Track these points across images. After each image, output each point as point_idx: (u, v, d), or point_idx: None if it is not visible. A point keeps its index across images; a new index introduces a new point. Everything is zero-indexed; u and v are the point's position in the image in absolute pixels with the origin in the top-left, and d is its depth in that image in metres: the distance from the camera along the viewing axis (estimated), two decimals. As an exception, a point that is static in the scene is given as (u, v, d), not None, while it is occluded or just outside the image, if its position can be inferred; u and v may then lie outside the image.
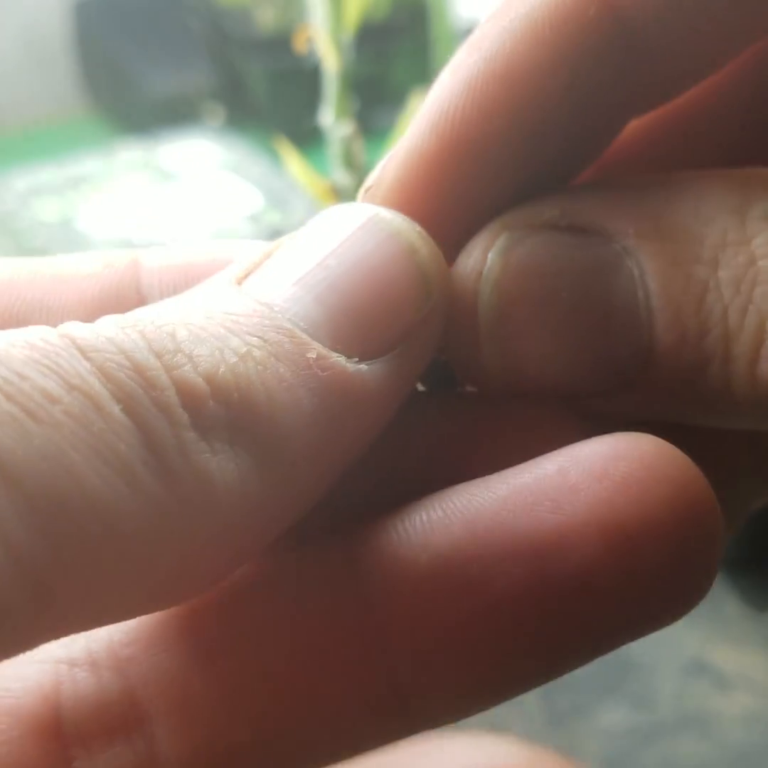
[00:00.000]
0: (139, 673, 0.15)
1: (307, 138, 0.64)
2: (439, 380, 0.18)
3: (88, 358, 0.13)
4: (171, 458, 0.13)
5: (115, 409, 0.12)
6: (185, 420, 0.13)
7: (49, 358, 0.12)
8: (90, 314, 0.16)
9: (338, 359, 0.15)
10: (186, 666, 0.15)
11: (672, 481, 0.14)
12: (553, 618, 0.14)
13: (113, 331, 0.13)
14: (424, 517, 0.15)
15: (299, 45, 0.46)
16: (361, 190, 0.18)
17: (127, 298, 0.17)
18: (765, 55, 0.20)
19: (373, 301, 0.15)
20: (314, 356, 0.14)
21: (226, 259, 0.17)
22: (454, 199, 0.17)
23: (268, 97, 1.01)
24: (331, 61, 0.43)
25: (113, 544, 0.12)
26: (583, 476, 0.14)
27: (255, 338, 0.14)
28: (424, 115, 0.17)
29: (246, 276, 0.16)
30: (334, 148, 0.46)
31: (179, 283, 0.17)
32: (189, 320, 0.14)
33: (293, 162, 0.48)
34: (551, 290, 0.16)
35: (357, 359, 0.15)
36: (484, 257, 0.17)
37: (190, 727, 0.15)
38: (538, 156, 0.17)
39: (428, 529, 0.15)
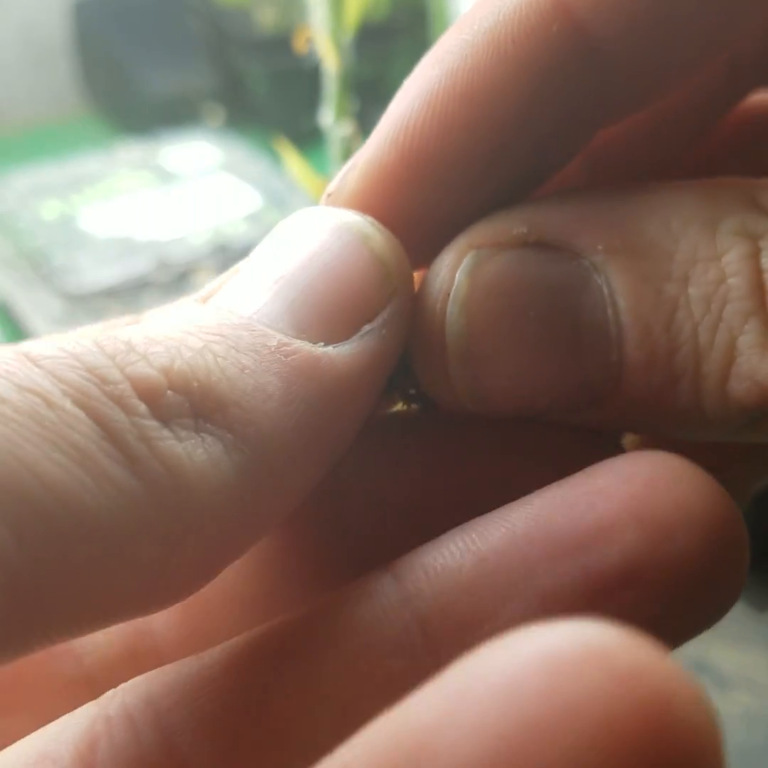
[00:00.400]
0: (178, 723, 0.15)
1: (307, 138, 0.64)
2: (424, 401, 0.18)
3: (39, 366, 0.13)
4: (133, 446, 0.13)
5: (67, 403, 0.12)
6: (143, 410, 0.13)
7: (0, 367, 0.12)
8: None
9: (303, 344, 0.15)
10: (230, 709, 0.15)
11: (694, 478, 0.14)
12: (603, 612, 0.14)
13: (66, 342, 0.13)
14: (465, 533, 0.15)
15: (299, 45, 0.46)
16: (323, 196, 0.18)
17: None
18: (733, 65, 0.20)
19: (330, 288, 0.16)
20: (275, 344, 0.14)
21: None
22: (413, 211, 0.17)
23: (267, 98, 1.01)
24: (331, 61, 0.43)
25: (87, 536, 0.12)
26: (612, 479, 0.15)
27: (213, 335, 0.14)
28: (385, 127, 0.17)
29: (209, 296, 0.16)
30: (333, 149, 0.46)
31: None
32: (146, 331, 0.14)
33: (293, 162, 0.48)
34: (520, 309, 0.16)
35: (323, 344, 0.15)
36: (452, 277, 0.16)
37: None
38: (500, 169, 0.17)
39: (470, 540, 0.15)
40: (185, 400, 0.13)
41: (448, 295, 0.16)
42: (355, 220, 0.16)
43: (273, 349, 0.14)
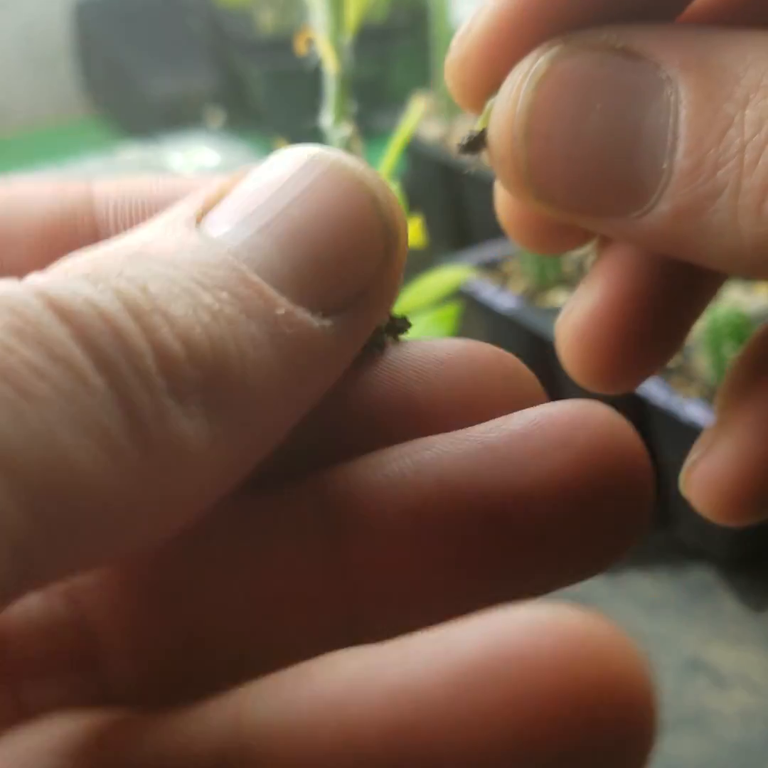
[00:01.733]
0: (91, 599, 0.15)
1: (307, 139, 0.64)
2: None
3: (66, 321, 0.13)
4: (150, 426, 0.13)
5: (100, 383, 0.12)
6: (163, 386, 0.13)
7: (30, 324, 0.12)
8: (44, 239, 0.17)
9: (304, 316, 0.15)
10: (141, 594, 0.15)
11: (619, 445, 0.15)
12: (518, 564, 0.15)
13: (88, 290, 0.13)
14: (396, 468, 0.16)
15: (299, 47, 0.46)
16: (455, 38, 0.19)
17: (80, 225, 0.17)
18: None
19: (335, 254, 0.15)
20: (282, 313, 0.14)
21: (183, 194, 0.16)
22: (530, 46, 0.18)
23: (267, 99, 1.01)
24: (330, 62, 0.43)
25: (93, 511, 0.12)
26: (548, 443, 0.15)
27: (225, 293, 0.14)
28: None
29: (204, 213, 0.15)
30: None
31: (136, 215, 0.17)
32: (158, 270, 0.14)
33: (293, 163, 0.48)
34: (588, 101, 0.18)
35: (321, 314, 0.15)
36: (536, 59, 0.18)
37: (143, 653, 0.15)
38: (613, 11, 0.18)
39: (400, 479, 0.16)
40: (200, 374, 0.13)
41: (527, 73, 0.18)
42: (368, 176, 0.16)
43: (279, 318, 0.14)
